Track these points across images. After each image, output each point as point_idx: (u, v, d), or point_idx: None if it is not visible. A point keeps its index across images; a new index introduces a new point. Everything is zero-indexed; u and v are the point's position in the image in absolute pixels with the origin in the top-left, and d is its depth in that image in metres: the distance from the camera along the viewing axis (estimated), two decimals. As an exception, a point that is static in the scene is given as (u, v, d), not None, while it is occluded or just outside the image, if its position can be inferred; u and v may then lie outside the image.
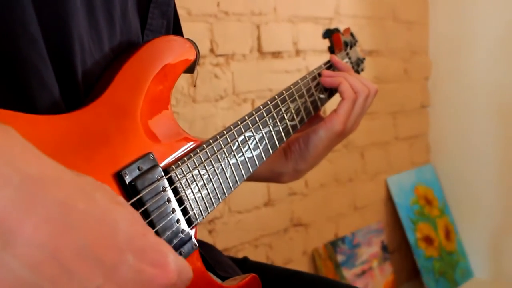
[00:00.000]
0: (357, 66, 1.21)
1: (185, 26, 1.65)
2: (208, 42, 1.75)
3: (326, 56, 1.07)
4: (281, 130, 0.92)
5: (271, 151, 0.88)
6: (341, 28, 1.21)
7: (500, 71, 2.59)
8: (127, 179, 0.65)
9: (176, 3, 1.61)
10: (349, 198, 2.38)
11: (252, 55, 1.90)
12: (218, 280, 0.78)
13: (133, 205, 0.65)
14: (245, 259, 1.10)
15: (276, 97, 0.93)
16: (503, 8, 2.55)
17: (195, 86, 1.66)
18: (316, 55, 2.09)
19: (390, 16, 2.53)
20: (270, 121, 0.90)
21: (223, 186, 0.78)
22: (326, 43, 1.16)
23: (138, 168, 0.66)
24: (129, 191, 0.65)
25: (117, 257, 0.46)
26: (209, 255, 0.89)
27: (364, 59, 1.23)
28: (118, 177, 0.64)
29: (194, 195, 0.73)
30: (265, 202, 2.00)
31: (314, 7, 2.13)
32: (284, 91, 0.95)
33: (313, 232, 2.20)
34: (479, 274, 2.76)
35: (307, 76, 1.01)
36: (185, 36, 0.85)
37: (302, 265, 2.12)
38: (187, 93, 1.70)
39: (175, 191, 0.70)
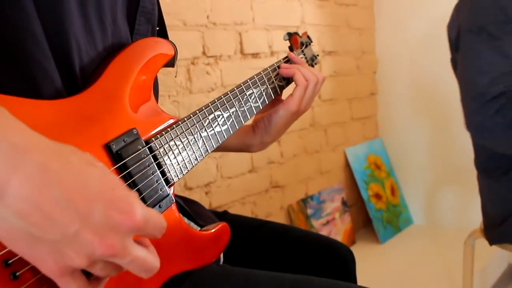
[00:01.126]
0: (312, 61, 1.18)
1: (181, 34, 1.65)
2: (200, 47, 1.73)
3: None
4: (246, 110, 0.89)
5: (237, 127, 0.86)
6: (301, 32, 1.19)
7: (427, 65, 2.59)
8: (114, 149, 0.64)
9: (173, 16, 1.59)
10: (315, 165, 2.37)
11: (236, 56, 1.88)
12: (196, 228, 0.76)
13: (119, 168, 0.64)
14: (225, 212, 1.09)
15: (242, 84, 0.91)
16: (428, 17, 2.53)
17: (176, 76, 1.63)
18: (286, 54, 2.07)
19: (345, 24, 2.51)
20: (236, 103, 0.87)
21: (196, 154, 0.76)
22: (295, 45, 1.15)
23: (124, 141, 0.65)
24: (116, 158, 0.64)
25: (90, 206, 0.45)
26: (191, 209, 0.88)
27: (317, 55, 1.21)
28: (107, 147, 0.63)
29: (170, 161, 0.71)
30: (250, 169, 1.98)
31: (284, 17, 2.11)
32: (248, 80, 0.93)
33: (288, 192, 2.19)
34: (417, 221, 2.77)
35: (268, 68, 1.00)
36: (174, 40, 0.83)
37: (280, 218, 2.12)
38: (185, 86, 1.68)
39: (155, 158, 0.69)
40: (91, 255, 0.45)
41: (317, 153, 2.37)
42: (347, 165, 2.57)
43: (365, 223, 2.68)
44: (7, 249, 0.49)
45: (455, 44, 1.41)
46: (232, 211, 1.35)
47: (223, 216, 1.05)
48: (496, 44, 1.26)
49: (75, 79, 0.66)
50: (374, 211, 2.53)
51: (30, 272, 0.51)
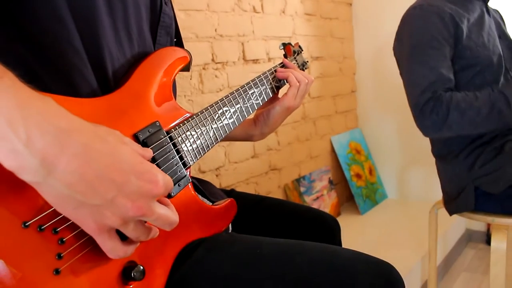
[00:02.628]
0: (303, 66, 1.18)
1: (194, 45, 1.65)
2: (210, 55, 1.72)
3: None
4: (249, 106, 0.89)
5: (241, 120, 0.86)
6: (293, 42, 1.19)
7: (396, 67, 2.54)
8: (141, 138, 0.64)
9: (187, 30, 1.59)
10: (307, 151, 2.36)
11: (239, 62, 1.87)
12: (208, 203, 0.77)
13: (145, 154, 0.63)
14: (232, 190, 1.09)
15: (245, 85, 0.91)
16: (395, 29, 2.50)
17: (191, 79, 1.63)
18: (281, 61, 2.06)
19: (329, 34, 2.49)
20: (241, 100, 0.87)
21: (208, 142, 0.76)
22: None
23: (148, 131, 0.65)
24: (143, 146, 0.63)
25: (124, 177, 0.47)
26: (204, 188, 0.88)
27: (307, 61, 1.20)
28: (135, 137, 0.64)
29: (187, 148, 0.71)
30: (252, 155, 1.98)
31: (279, 29, 2.10)
32: (250, 81, 0.93)
33: (284, 173, 2.18)
34: (390, 195, 2.76)
35: (267, 71, 1.00)
36: (188, 49, 0.82)
37: (277, 195, 2.12)
38: (198, 87, 1.68)
39: (174, 145, 0.69)
40: (124, 215, 0.48)
41: (308, 141, 2.37)
42: (333, 150, 2.56)
43: (348, 198, 2.68)
44: (55, 220, 0.50)
45: (399, 65, 1.48)
46: (238, 189, 1.35)
47: (230, 193, 1.05)
48: (424, 59, 1.30)
49: (108, 82, 0.66)
50: (355, 188, 2.53)
51: (74, 238, 0.51)
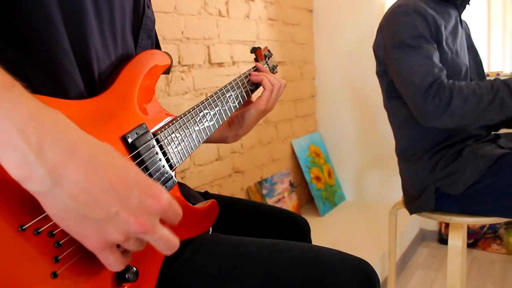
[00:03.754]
0: (273, 70, 1.20)
1: (161, 47, 1.63)
2: (177, 57, 1.72)
3: (252, 65, 1.06)
4: (227, 109, 0.91)
5: (220, 122, 0.88)
6: (262, 46, 1.20)
7: (355, 72, 2.65)
8: (129, 140, 0.64)
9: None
10: (268, 154, 2.39)
11: (205, 65, 1.88)
12: (191, 205, 0.77)
13: (133, 156, 0.64)
14: (206, 192, 1.09)
15: (223, 88, 0.92)
16: (355, 35, 2.59)
17: (170, 82, 1.63)
18: (246, 64, 2.08)
19: (290, 40, 2.54)
20: (219, 103, 0.89)
21: (191, 144, 0.77)
22: (252, 56, 1.16)
23: (136, 133, 0.65)
24: (131, 148, 0.64)
25: (128, 191, 0.46)
26: (182, 190, 0.88)
27: (277, 65, 1.23)
28: (123, 139, 0.64)
29: (173, 149, 0.72)
30: (216, 158, 1.99)
31: (243, 34, 2.11)
32: (227, 84, 0.94)
33: (247, 176, 2.20)
34: (348, 197, 2.83)
35: (242, 75, 1.01)
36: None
37: (241, 197, 2.13)
38: (164, 90, 1.67)
39: (161, 147, 0.69)
40: (127, 231, 0.46)
41: (270, 144, 2.40)
42: (293, 153, 2.60)
43: (308, 200, 2.73)
44: (51, 223, 0.49)
45: (384, 61, 1.47)
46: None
47: (204, 195, 1.06)
48: (416, 51, 1.32)
49: (94, 83, 0.66)
50: (315, 190, 2.58)
51: (70, 241, 0.51)
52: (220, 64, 1.96)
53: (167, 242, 0.49)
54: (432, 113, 1.27)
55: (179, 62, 1.73)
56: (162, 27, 1.63)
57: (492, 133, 1.53)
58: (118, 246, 0.49)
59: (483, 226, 2.37)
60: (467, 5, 1.53)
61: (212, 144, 1.69)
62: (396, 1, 1.46)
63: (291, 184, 2.51)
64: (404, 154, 1.53)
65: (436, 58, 1.32)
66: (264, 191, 2.29)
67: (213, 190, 1.95)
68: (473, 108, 1.24)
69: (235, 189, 2.11)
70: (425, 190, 1.43)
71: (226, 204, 1.05)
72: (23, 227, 0.47)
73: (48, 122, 0.43)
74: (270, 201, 2.29)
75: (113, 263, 0.48)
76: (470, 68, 1.48)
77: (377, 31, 1.48)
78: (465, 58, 1.45)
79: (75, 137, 0.45)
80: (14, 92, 0.42)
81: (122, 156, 0.49)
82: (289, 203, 2.45)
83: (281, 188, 2.43)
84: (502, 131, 1.55)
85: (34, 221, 0.48)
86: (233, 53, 2.04)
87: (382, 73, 1.49)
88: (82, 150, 0.44)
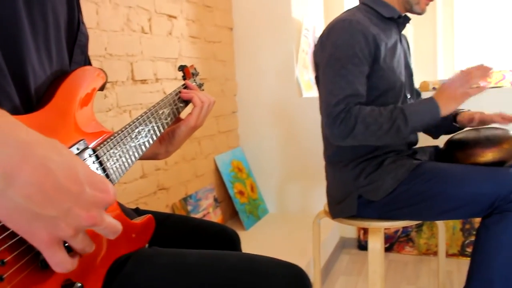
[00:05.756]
0: (200, 87, 1.23)
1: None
2: (99, 74, 1.69)
3: (176, 83, 1.08)
4: (160, 126, 0.92)
5: (155, 138, 0.89)
6: (185, 63, 1.22)
7: (275, 89, 2.75)
8: None
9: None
10: (192, 170, 2.40)
11: (128, 81, 1.86)
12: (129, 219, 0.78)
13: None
14: (137, 208, 1.10)
15: (156, 105, 0.93)
16: (275, 53, 2.70)
17: (105, 98, 1.60)
18: (169, 81, 2.09)
19: (212, 57, 2.58)
20: (153, 120, 0.90)
21: (129, 161, 0.78)
22: (175, 73, 1.18)
23: (77, 149, 0.65)
24: None
25: (80, 187, 0.48)
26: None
27: (203, 83, 1.26)
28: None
29: (112, 165, 0.72)
30: (141, 175, 1.97)
31: (166, 51, 2.12)
32: (160, 102, 0.95)
33: (172, 192, 2.19)
34: (271, 210, 2.90)
35: (172, 93, 1.03)
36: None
37: (166, 214, 2.11)
38: (87, 107, 1.63)
39: (100, 163, 0.70)
40: (78, 225, 0.48)
41: (193, 160, 2.41)
42: (217, 169, 2.63)
43: (232, 215, 2.76)
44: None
45: (317, 69, 1.55)
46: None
47: (137, 211, 1.06)
48: (344, 73, 1.41)
49: (31, 100, 0.65)
50: (239, 205, 2.62)
51: (14, 259, 0.50)
52: (144, 81, 1.96)
53: (113, 228, 0.52)
54: (337, 136, 1.41)
55: (101, 79, 1.70)
56: (84, 43, 1.59)
57: (412, 147, 1.67)
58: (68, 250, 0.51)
59: (397, 231, 2.55)
60: (407, 24, 1.65)
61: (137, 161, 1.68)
62: (342, 14, 1.54)
63: (215, 200, 2.54)
64: (331, 160, 1.62)
65: (359, 83, 1.42)
66: (189, 207, 2.29)
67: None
68: (372, 134, 1.38)
69: (160, 206, 2.10)
70: (349, 196, 1.53)
71: (158, 219, 1.05)
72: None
73: None
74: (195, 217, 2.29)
75: (60, 261, 0.49)
76: (405, 84, 1.59)
77: (319, 38, 1.55)
78: (401, 75, 1.56)
79: (24, 137, 0.45)
80: None
81: (70, 151, 0.51)
82: (214, 218, 2.47)
83: (206, 204, 2.45)
84: (418, 145, 1.70)
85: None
86: (156, 70, 2.04)
87: (318, 79, 1.56)
88: (33, 150, 0.45)
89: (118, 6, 1.80)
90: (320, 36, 1.54)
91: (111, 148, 0.73)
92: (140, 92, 1.92)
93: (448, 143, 1.59)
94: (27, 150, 0.44)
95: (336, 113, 1.39)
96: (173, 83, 2.11)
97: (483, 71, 1.32)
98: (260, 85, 2.79)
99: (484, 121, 1.55)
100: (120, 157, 0.75)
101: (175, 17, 2.20)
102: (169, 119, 0.97)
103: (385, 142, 1.43)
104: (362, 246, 2.60)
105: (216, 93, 2.63)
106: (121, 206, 0.92)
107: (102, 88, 0.81)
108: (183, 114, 1.06)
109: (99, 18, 1.68)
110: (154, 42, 2.03)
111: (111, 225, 0.52)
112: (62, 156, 0.48)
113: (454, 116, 1.65)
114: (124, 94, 1.83)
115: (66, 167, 0.47)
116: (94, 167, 0.67)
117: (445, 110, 1.36)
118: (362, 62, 1.43)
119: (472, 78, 1.32)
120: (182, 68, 1.18)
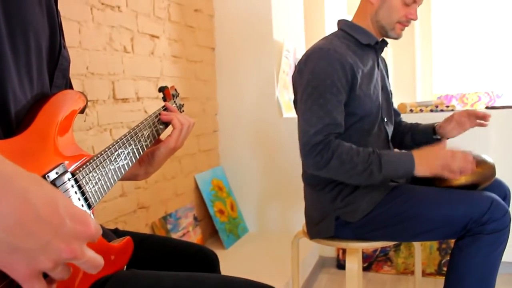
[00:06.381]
0: (180, 108, 1.24)
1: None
2: (80, 92, 1.69)
3: (157, 102, 1.09)
4: (139, 148, 0.93)
5: (134, 160, 0.90)
6: (167, 83, 1.24)
7: (255, 109, 2.77)
8: (49, 180, 0.64)
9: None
10: (172, 189, 2.39)
11: (109, 100, 1.86)
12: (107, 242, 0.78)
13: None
14: (116, 229, 1.09)
15: (135, 127, 0.94)
16: (256, 73, 2.73)
17: (85, 121, 1.59)
18: (150, 100, 2.10)
19: (193, 76, 2.60)
20: (133, 142, 0.91)
21: (108, 183, 0.78)
22: (157, 92, 1.19)
23: (56, 173, 0.66)
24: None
25: (60, 220, 0.48)
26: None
27: (183, 104, 1.27)
28: (43, 178, 0.64)
29: (91, 189, 0.73)
30: (120, 194, 1.96)
31: (147, 70, 2.13)
32: (139, 124, 0.96)
33: (152, 211, 2.19)
34: (251, 229, 2.90)
35: (152, 115, 1.04)
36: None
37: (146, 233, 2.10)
38: (67, 125, 1.63)
39: (79, 187, 0.70)
40: (58, 258, 0.48)
41: (174, 179, 2.41)
42: (197, 188, 2.63)
43: (212, 234, 2.75)
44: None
45: (295, 92, 1.57)
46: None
47: (116, 232, 1.06)
48: (322, 102, 1.42)
49: (11, 123, 0.66)
50: (219, 224, 2.62)
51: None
52: (125, 100, 1.96)
53: (94, 262, 0.52)
54: (312, 166, 1.43)
55: (82, 98, 1.70)
56: (66, 62, 1.60)
57: None
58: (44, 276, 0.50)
59: (375, 250, 2.57)
60: (385, 48, 1.68)
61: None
62: (320, 41, 1.55)
63: (195, 218, 2.53)
64: (309, 182, 1.63)
65: (338, 112, 1.43)
66: (169, 226, 2.28)
67: (118, 227, 1.91)
68: (345, 172, 1.41)
69: (140, 225, 2.09)
70: (327, 217, 1.55)
71: (137, 240, 1.05)
72: None
73: None
74: (175, 236, 2.28)
75: None
76: (382, 108, 1.62)
77: (297, 63, 1.56)
78: (377, 100, 1.58)
79: (4, 170, 0.45)
80: None
81: (51, 185, 0.51)
82: (194, 237, 2.46)
83: (186, 223, 2.44)
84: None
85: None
86: (138, 89, 2.05)
87: (296, 102, 1.58)
88: (13, 182, 0.45)
89: (101, 25, 1.81)
90: (299, 62, 1.56)
91: (90, 172, 0.74)
92: (121, 111, 1.92)
93: None
94: (6, 183, 0.44)
95: (313, 143, 1.40)
96: (154, 102, 2.12)
97: (472, 167, 1.36)
98: (241, 104, 2.81)
99: (461, 124, 1.64)
100: (99, 180, 0.76)
101: (157, 37, 2.22)
102: (148, 141, 0.98)
103: (357, 182, 1.46)
104: (341, 265, 2.61)
105: (197, 112, 2.64)
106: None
107: (82, 111, 0.82)
108: (163, 136, 1.08)
109: (81, 37, 1.69)
110: (136, 61, 2.04)
111: (92, 259, 0.51)
112: (43, 189, 0.48)
113: (433, 129, 1.70)
114: (105, 113, 1.83)
115: (46, 199, 0.47)
116: (73, 190, 0.68)
117: (419, 171, 1.40)
118: (340, 91, 1.44)
119: (457, 165, 1.36)
120: (162, 89, 1.19)
